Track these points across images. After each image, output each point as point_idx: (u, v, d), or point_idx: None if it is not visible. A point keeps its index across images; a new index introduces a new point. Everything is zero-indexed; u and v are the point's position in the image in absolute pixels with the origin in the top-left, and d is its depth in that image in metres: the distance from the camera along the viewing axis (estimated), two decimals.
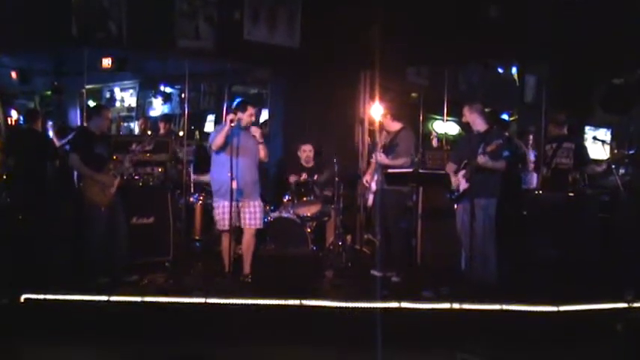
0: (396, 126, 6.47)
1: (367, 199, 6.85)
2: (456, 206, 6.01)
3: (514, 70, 9.68)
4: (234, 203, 5.77)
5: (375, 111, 6.77)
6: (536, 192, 7.37)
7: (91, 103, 9.99)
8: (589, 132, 9.68)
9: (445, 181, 5.96)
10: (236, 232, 5.97)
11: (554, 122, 7.12)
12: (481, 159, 5.60)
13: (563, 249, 6.51)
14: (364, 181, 6.80)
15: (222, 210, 5.89)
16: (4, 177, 7.67)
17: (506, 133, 7.10)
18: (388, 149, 6.38)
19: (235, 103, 6.20)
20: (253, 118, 6.09)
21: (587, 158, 6.90)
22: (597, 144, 7.72)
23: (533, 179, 7.74)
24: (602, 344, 4.72)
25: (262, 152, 6.02)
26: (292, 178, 7.10)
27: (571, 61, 8.10)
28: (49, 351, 4.66)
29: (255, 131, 5.98)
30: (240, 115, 5.89)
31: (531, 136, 8.14)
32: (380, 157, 6.31)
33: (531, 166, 7.72)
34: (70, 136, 7.53)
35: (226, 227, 5.89)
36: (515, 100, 10.57)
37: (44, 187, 7.61)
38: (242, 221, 5.97)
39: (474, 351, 4.51)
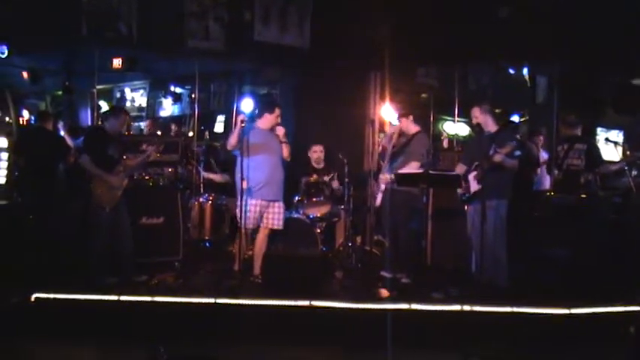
0: (413, 129, 6.43)
1: (376, 198, 6.79)
2: (466, 207, 5.98)
3: (525, 71, 9.62)
4: (262, 202, 5.89)
5: (387, 112, 6.72)
6: (548, 193, 7.31)
7: (102, 104, 10.05)
8: (601, 133, 9.60)
9: (455, 182, 5.93)
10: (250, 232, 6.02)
11: (565, 123, 7.06)
12: (497, 157, 5.56)
13: (574, 251, 6.45)
14: (379, 179, 6.67)
15: (253, 209, 5.88)
16: (16, 176, 7.73)
17: (518, 136, 7.02)
18: (401, 150, 6.34)
19: (263, 103, 6.15)
20: (280, 119, 6.12)
21: (600, 159, 6.82)
22: (609, 145, 7.64)
23: (546, 181, 7.68)
24: (615, 347, 4.68)
25: (285, 151, 6.06)
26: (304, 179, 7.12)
27: (582, 62, 8.04)
28: (59, 350, 4.68)
29: (279, 130, 6.04)
30: (267, 115, 6.00)
31: (541, 137, 8.08)
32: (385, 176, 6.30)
33: (543, 166, 7.66)
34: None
35: (254, 226, 5.95)
36: (526, 101, 10.49)
37: (55, 187, 7.64)
38: (265, 221, 6.00)
39: (483, 353, 4.48)
